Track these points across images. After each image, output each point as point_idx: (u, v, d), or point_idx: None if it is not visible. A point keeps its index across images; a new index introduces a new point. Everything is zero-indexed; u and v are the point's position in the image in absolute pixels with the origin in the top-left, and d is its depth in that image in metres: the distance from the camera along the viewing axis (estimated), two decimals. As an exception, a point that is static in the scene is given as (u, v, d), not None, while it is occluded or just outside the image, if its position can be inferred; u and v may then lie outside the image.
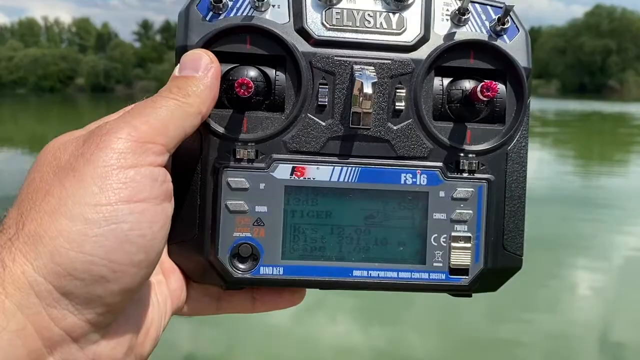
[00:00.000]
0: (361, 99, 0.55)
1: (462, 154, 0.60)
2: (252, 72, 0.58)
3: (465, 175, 0.59)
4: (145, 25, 77.23)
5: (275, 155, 0.58)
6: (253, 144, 0.58)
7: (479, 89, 0.57)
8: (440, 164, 0.59)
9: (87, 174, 0.45)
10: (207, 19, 0.57)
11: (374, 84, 0.55)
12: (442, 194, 0.59)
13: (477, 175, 0.60)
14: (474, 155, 0.60)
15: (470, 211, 0.60)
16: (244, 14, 0.57)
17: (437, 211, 0.59)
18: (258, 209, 0.58)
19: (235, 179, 0.57)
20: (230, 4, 0.57)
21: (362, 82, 0.55)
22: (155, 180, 0.48)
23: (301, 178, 0.58)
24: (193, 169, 0.57)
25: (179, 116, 0.50)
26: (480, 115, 0.61)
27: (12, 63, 57.08)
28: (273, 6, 0.58)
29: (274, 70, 0.59)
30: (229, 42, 0.57)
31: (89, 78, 57.93)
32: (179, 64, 0.54)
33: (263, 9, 0.57)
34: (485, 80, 0.57)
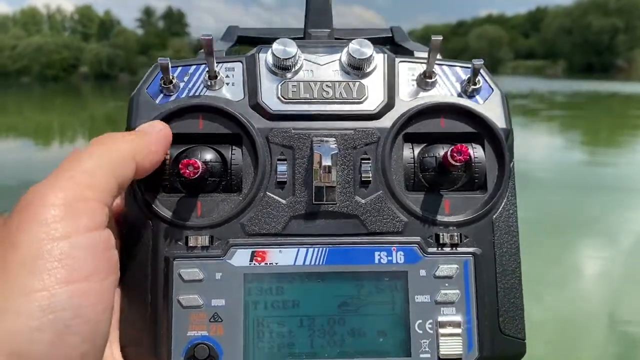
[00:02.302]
0: (322, 172, 0.51)
1: (441, 227, 0.54)
2: (207, 154, 0.54)
3: (447, 249, 0.54)
4: (148, 12, 76.88)
5: (232, 240, 0.53)
6: (207, 229, 0.52)
7: (449, 153, 0.52)
8: (417, 238, 0.54)
9: (12, 260, 0.38)
10: (157, 101, 0.55)
11: (334, 156, 0.52)
12: (422, 272, 0.53)
13: (460, 250, 0.54)
14: (454, 227, 0.54)
15: (457, 291, 0.53)
16: (197, 93, 0.55)
17: (419, 293, 0.53)
18: (214, 302, 0.52)
19: (188, 270, 0.52)
20: (181, 85, 0.56)
21: (320, 155, 0.51)
22: (95, 249, 0.41)
23: (262, 264, 0.52)
24: (143, 261, 0.52)
25: (106, 163, 0.44)
26: (457, 183, 0.56)
27: (15, 52, 57.06)
28: (227, 84, 0.56)
29: (230, 149, 0.54)
30: (181, 123, 0.54)
31: (93, 66, 57.90)
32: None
33: (216, 87, 0.56)
34: (456, 144, 0.52)
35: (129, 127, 0.54)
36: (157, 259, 0.52)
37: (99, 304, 0.41)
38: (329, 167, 0.51)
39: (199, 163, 0.50)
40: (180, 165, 0.49)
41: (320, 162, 0.51)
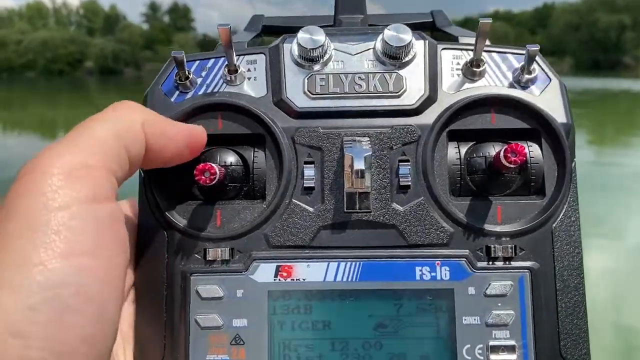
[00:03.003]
0: (354, 176, 0.45)
1: (493, 238, 0.48)
2: (227, 157, 0.48)
3: (499, 264, 0.47)
4: (153, 7, 76.93)
5: (255, 254, 0.47)
6: (228, 240, 0.47)
7: (502, 154, 0.45)
8: (465, 251, 0.48)
9: (7, 232, 0.34)
10: (173, 99, 0.50)
11: (367, 158, 0.45)
12: (471, 290, 0.47)
13: (515, 264, 0.47)
14: (508, 238, 0.48)
15: (512, 311, 0.47)
16: (215, 89, 0.50)
17: (468, 314, 0.47)
18: (236, 322, 0.46)
19: (207, 287, 0.47)
20: (199, 80, 0.50)
21: (352, 157, 0.45)
22: (99, 221, 0.37)
23: (288, 280, 0.47)
24: (157, 276, 0.47)
25: (114, 129, 0.40)
26: (511, 187, 0.49)
27: (20, 46, 57.21)
28: (248, 79, 0.51)
29: (252, 152, 0.49)
30: (199, 123, 0.49)
31: (98, 61, 58.00)
32: None
33: (237, 82, 0.50)
34: (510, 143, 0.46)
35: None
36: (172, 274, 0.47)
37: (104, 282, 0.36)
38: (362, 170, 0.45)
39: (216, 168, 0.45)
40: (195, 171, 0.44)
41: (351, 165, 0.45)
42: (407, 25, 0.50)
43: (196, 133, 0.46)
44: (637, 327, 3.30)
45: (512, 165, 0.45)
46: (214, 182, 0.44)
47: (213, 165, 0.45)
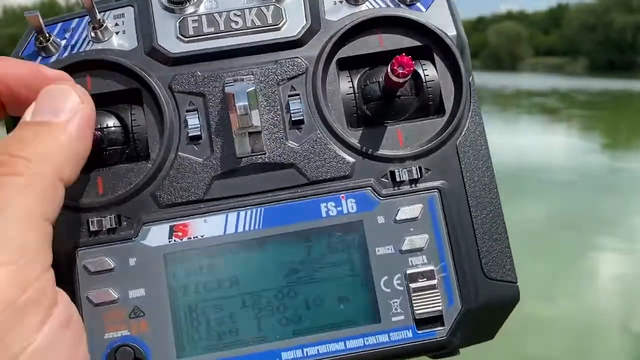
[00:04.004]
0: (238, 114, 0.43)
1: (396, 162, 0.45)
2: (103, 119, 0.45)
3: (406, 188, 0.45)
4: (166, 5, 77.45)
5: (144, 217, 0.44)
6: (112, 207, 0.44)
7: (389, 70, 0.43)
8: (369, 180, 0.45)
9: None
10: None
11: (251, 93, 0.43)
12: (381, 219, 0.45)
13: (422, 185, 0.45)
14: (412, 160, 0.45)
15: (425, 235, 0.45)
16: (82, 49, 0.46)
17: (380, 244, 0.45)
18: (132, 293, 0.43)
19: (94, 260, 0.43)
20: (63, 42, 0.47)
21: (233, 95, 0.43)
22: None
23: (185, 239, 0.44)
24: None
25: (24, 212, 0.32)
26: (410, 110, 0.47)
27: (36, 43, 57.81)
28: (117, 33, 0.47)
29: (129, 109, 0.46)
30: None
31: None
32: (34, 103, 0.38)
33: (105, 38, 0.47)
34: (396, 57, 0.43)
35: None
36: (56, 252, 0.41)
37: None
38: (245, 106, 0.42)
39: (97, 133, 0.41)
40: None
41: (234, 104, 0.43)
42: None
43: (91, 108, 0.40)
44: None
45: (402, 80, 0.43)
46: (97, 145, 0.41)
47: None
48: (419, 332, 0.44)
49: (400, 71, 0.43)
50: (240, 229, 0.44)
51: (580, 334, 3.37)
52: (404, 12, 0.48)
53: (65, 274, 0.43)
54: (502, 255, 0.46)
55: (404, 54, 0.44)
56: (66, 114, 0.38)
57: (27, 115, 0.38)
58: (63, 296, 0.36)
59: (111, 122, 0.46)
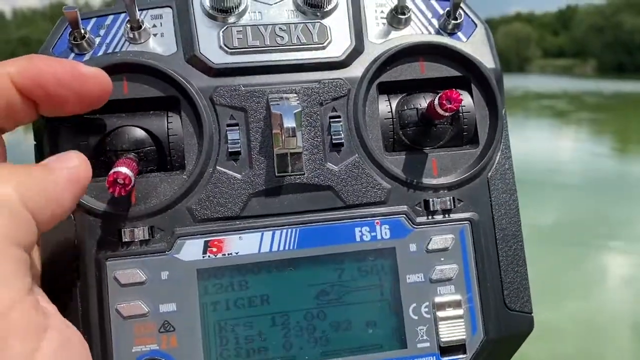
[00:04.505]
0: (284, 136, 0.42)
1: (430, 191, 0.46)
2: (136, 137, 0.44)
3: (439, 218, 0.46)
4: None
5: (179, 230, 0.43)
6: (145, 218, 0.43)
7: (436, 102, 0.43)
8: (404, 207, 0.46)
9: None
10: None
11: (297, 115, 0.42)
12: (413, 247, 0.45)
13: (454, 216, 0.46)
14: (446, 191, 0.46)
15: (455, 265, 0.46)
16: (117, 49, 0.45)
17: (411, 272, 0.45)
18: (163, 308, 0.43)
19: (126, 272, 0.42)
20: (97, 40, 0.45)
21: (280, 115, 0.42)
22: None
23: (219, 255, 0.44)
24: (67, 266, 0.42)
25: None
26: (444, 138, 0.47)
27: (45, 45, 58.29)
28: (154, 35, 0.46)
29: (166, 119, 0.45)
30: None
31: (120, 60, 58.79)
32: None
33: (141, 40, 0.45)
34: (439, 92, 0.43)
35: None
36: (85, 262, 0.42)
37: None
38: (293, 129, 0.42)
39: (129, 174, 0.39)
40: (107, 184, 0.39)
41: (281, 124, 0.42)
42: None
43: (87, 171, 0.38)
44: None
45: (448, 113, 0.44)
46: (129, 191, 0.40)
47: (122, 171, 0.39)
48: (443, 359, 0.45)
49: (449, 106, 0.43)
50: (274, 248, 0.45)
51: (589, 337, 3.35)
52: (446, 40, 0.49)
53: (93, 282, 0.42)
54: (522, 287, 0.47)
55: (453, 89, 0.44)
56: (57, 163, 0.37)
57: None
58: (56, 320, 0.34)
59: (147, 139, 0.44)
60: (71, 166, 0.37)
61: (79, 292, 0.42)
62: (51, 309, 0.35)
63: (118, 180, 0.39)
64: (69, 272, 0.42)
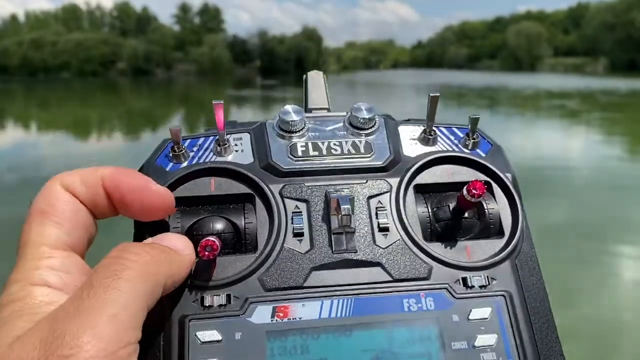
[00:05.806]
0: (340, 216, 0.51)
1: (467, 270, 0.53)
2: (219, 224, 0.53)
3: (477, 291, 0.52)
4: (184, 8, 78.00)
5: (251, 297, 0.50)
6: (224, 287, 0.50)
7: (464, 192, 0.52)
8: (445, 283, 0.52)
9: None
10: (168, 169, 0.56)
11: (351, 200, 0.52)
12: (455, 317, 0.50)
13: (490, 291, 0.52)
14: (480, 271, 0.53)
15: (494, 334, 0.50)
16: (207, 159, 0.56)
17: (456, 339, 0.50)
18: None
19: (205, 332, 0.48)
20: (191, 153, 0.57)
21: (337, 200, 0.52)
22: None
23: (285, 320, 0.49)
24: (154, 323, 0.47)
25: (141, 296, 0.41)
26: (473, 231, 0.56)
27: (56, 48, 58.72)
28: (236, 151, 0.57)
29: (243, 214, 0.54)
30: (192, 186, 0.55)
31: (130, 61, 59.07)
32: (161, 235, 0.49)
33: (226, 154, 0.57)
34: (471, 182, 0.53)
35: None
36: (170, 320, 0.48)
37: None
38: (349, 209, 0.51)
39: (217, 243, 0.48)
40: (199, 248, 0.48)
41: (337, 207, 0.52)
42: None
43: (194, 256, 0.49)
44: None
45: (475, 200, 0.52)
46: (214, 257, 0.49)
47: (214, 240, 0.48)
48: None
49: (475, 192, 0.52)
50: (332, 315, 0.50)
51: (602, 341, 3.31)
52: (468, 155, 0.59)
53: (176, 341, 0.48)
54: (556, 353, 0.52)
55: (477, 179, 0.55)
56: (187, 249, 0.48)
57: (150, 239, 0.48)
58: None
59: (228, 227, 0.53)
60: (190, 252, 0.48)
61: (162, 351, 0.48)
62: None
63: (208, 246, 0.47)
64: (154, 331, 0.48)
